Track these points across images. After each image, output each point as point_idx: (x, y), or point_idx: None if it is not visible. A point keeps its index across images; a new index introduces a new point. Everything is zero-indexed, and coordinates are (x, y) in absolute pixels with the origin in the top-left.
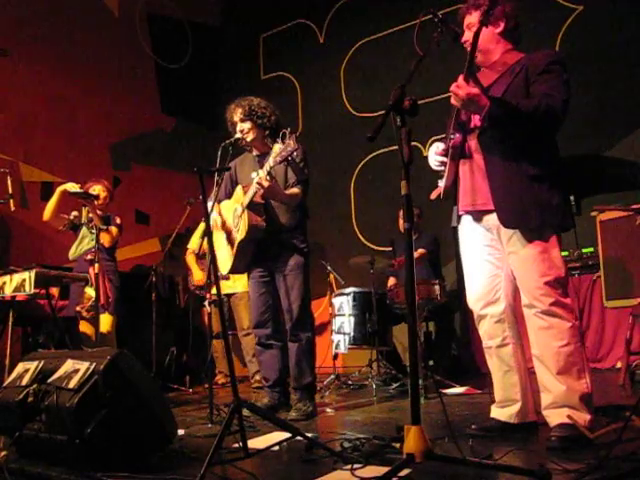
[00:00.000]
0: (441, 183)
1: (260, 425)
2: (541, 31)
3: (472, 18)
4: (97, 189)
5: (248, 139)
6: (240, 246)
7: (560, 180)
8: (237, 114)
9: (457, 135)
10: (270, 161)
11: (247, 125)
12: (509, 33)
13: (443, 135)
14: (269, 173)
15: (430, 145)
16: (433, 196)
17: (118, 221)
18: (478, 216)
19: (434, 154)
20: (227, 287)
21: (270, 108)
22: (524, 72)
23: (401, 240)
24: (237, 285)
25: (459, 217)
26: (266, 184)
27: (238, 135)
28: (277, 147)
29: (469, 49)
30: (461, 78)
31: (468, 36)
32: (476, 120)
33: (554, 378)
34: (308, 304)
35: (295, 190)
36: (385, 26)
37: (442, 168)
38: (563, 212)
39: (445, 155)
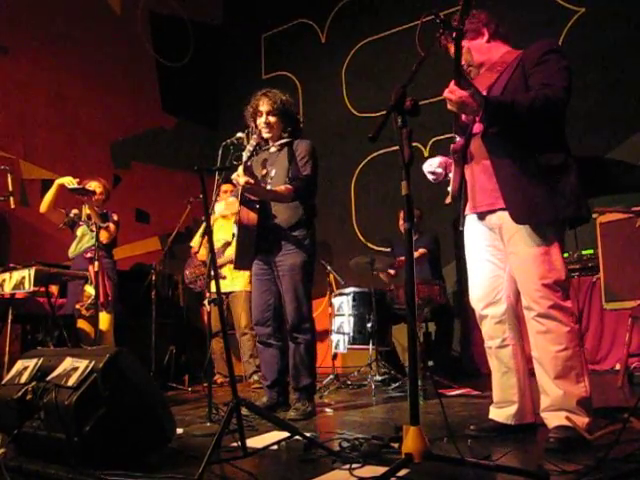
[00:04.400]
0: (450, 188)
1: (259, 424)
2: (543, 33)
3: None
4: (93, 185)
5: (268, 134)
6: (237, 243)
7: (570, 171)
8: (265, 104)
9: (458, 139)
10: (244, 157)
11: (274, 119)
12: (496, 36)
13: (444, 136)
14: (247, 169)
15: (431, 144)
16: (447, 201)
17: (115, 218)
18: (482, 216)
19: (428, 170)
20: (225, 286)
21: (296, 107)
22: (521, 67)
23: (401, 240)
24: (235, 284)
25: (464, 218)
26: (241, 181)
27: (240, 134)
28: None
29: (467, 70)
30: (452, 83)
31: (464, 59)
32: (477, 123)
33: (552, 382)
34: (306, 306)
35: (282, 187)
36: (387, 26)
37: (433, 177)
38: (576, 204)
39: (440, 171)
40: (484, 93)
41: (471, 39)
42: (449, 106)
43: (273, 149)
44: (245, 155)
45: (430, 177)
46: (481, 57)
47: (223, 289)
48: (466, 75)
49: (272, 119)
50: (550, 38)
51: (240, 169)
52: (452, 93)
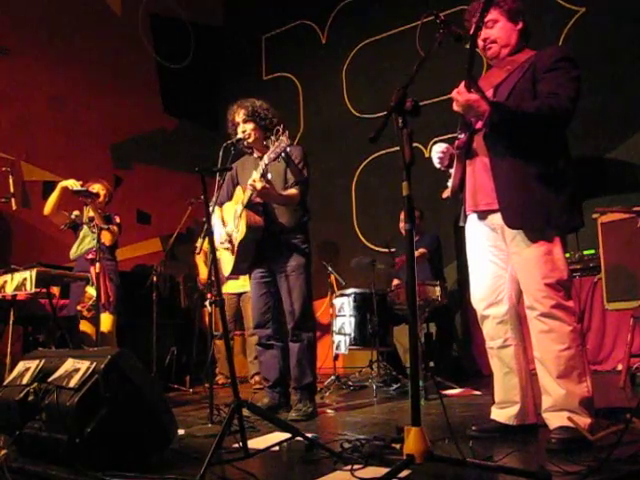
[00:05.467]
0: (450, 183)
1: (260, 425)
2: (543, 33)
3: (491, 15)
4: (96, 188)
5: (250, 140)
6: (240, 246)
7: (567, 179)
8: (239, 115)
9: (463, 135)
10: (265, 159)
11: (250, 126)
12: (524, 31)
13: (445, 137)
14: (263, 175)
15: (432, 146)
16: (444, 195)
17: (118, 220)
18: (483, 216)
19: (436, 151)
20: (237, 286)
21: (272, 110)
22: (531, 70)
23: (402, 241)
24: (247, 284)
25: (465, 217)
26: (259, 186)
27: (240, 136)
28: (271, 145)
29: (488, 45)
30: (462, 85)
31: (489, 33)
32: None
33: (554, 382)
34: (310, 304)
35: (292, 191)
36: (387, 27)
37: (439, 166)
38: (570, 212)
39: (446, 152)
40: (491, 91)
41: (509, 19)
42: (455, 107)
43: (272, 156)
44: (267, 159)
45: (436, 160)
46: (508, 40)
47: (235, 289)
48: (476, 80)
49: (248, 126)
50: (564, 45)
51: (256, 174)
52: (460, 95)
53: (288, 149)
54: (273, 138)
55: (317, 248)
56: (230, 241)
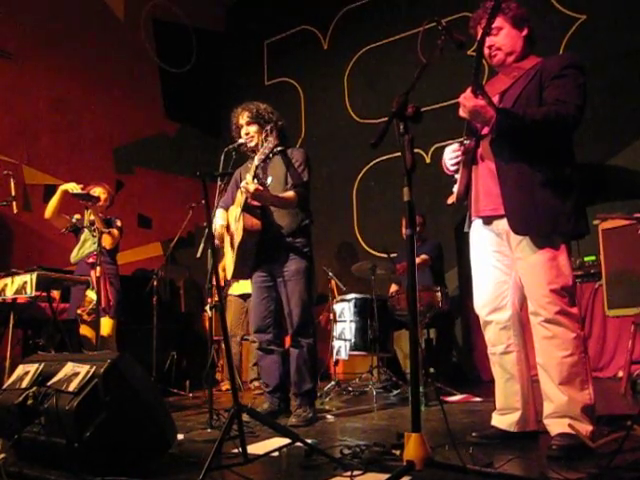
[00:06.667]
0: (455, 189)
1: (260, 431)
2: (544, 40)
3: (496, 22)
4: (97, 191)
5: (252, 143)
6: (239, 250)
7: (574, 186)
8: (244, 117)
9: (469, 141)
10: (255, 160)
11: (253, 128)
12: (530, 38)
13: (446, 142)
14: (256, 176)
15: (433, 151)
16: (449, 201)
17: (119, 223)
18: (488, 221)
19: (450, 152)
20: (242, 288)
21: (276, 114)
22: (538, 77)
23: (403, 246)
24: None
25: (470, 222)
26: (251, 188)
27: (242, 140)
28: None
29: (493, 53)
30: (469, 90)
31: (494, 40)
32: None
33: (556, 388)
34: (310, 310)
35: (289, 193)
36: (389, 33)
37: (456, 167)
38: (576, 219)
39: (459, 152)
40: (497, 97)
41: (514, 26)
42: (461, 112)
43: (261, 157)
44: (257, 160)
45: (451, 162)
46: (514, 47)
47: (240, 291)
48: (482, 86)
49: (251, 128)
50: (572, 52)
51: (249, 177)
52: (467, 100)
53: (275, 150)
54: (261, 138)
55: (317, 253)
56: (232, 244)
